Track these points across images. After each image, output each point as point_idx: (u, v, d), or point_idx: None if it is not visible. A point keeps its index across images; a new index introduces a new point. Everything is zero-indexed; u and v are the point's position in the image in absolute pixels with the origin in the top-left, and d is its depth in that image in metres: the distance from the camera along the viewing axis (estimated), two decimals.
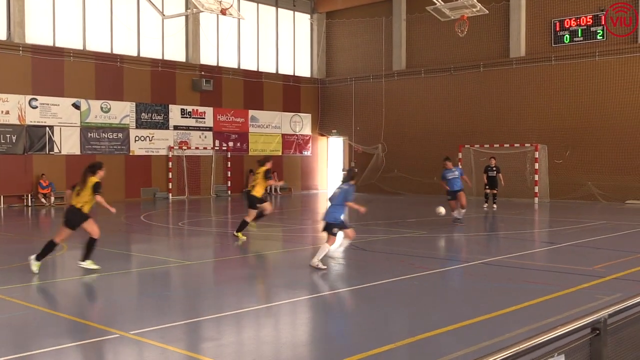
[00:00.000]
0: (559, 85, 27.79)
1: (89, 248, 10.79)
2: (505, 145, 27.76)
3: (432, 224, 18.68)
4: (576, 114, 27.27)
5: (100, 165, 11.18)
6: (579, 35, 27.32)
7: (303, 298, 9.06)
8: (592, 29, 27.00)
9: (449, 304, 8.59)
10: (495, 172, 23.86)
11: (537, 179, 26.90)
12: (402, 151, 32.65)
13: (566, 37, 27.71)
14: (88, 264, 10.76)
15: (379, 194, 32.19)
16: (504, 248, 14.17)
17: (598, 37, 26.85)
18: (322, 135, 36.43)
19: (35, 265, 10.57)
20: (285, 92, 34.75)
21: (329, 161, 36.80)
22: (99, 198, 10.65)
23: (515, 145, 27.62)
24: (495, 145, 28.07)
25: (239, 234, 14.96)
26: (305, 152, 35.86)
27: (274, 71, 34.55)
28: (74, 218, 10.66)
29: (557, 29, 27.93)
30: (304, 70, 36.21)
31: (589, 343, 3.96)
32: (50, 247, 10.66)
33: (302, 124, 35.60)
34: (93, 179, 10.81)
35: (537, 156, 26.89)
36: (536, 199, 26.65)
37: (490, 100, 29.79)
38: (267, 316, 8.01)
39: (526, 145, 27.44)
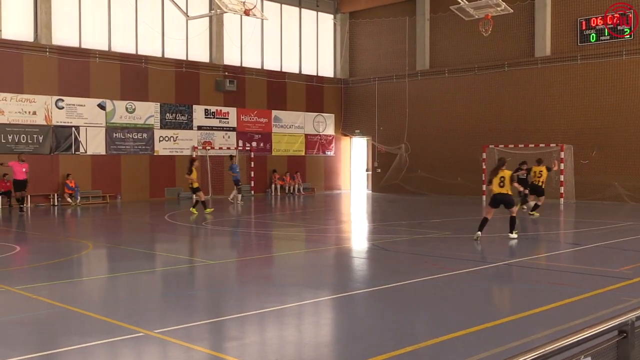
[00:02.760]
0: (585, 84, 27.46)
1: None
2: (530, 146, 27.50)
3: (455, 224, 18.57)
4: (602, 114, 26.94)
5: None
6: (605, 34, 26.99)
7: (326, 298, 9.05)
8: (619, 27, 26.66)
9: (472, 305, 8.52)
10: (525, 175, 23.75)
11: (562, 179, 26.61)
12: (426, 151, 32.51)
13: (592, 36, 27.38)
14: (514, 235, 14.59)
15: (402, 194, 32.07)
16: (529, 249, 14.03)
17: (625, 36, 26.49)
18: (345, 135, 36.40)
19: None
20: (309, 92, 34.79)
21: (352, 161, 36.75)
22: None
23: (541, 145, 27.34)
24: (520, 145, 27.82)
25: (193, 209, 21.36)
26: (329, 152, 35.87)
27: (297, 71, 34.61)
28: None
29: (583, 28, 27.61)
30: (327, 70, 36.22)
31: (616, 346, 3.90)
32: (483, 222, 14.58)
33: (326, 124, 35.61)
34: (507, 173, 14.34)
35: (562, 156, 26.60)
36: (562, 200, 26.37)
37: (515, 100, 29.53)
38: (290, 316, 8.01)
39: (552, 145, 27.15)
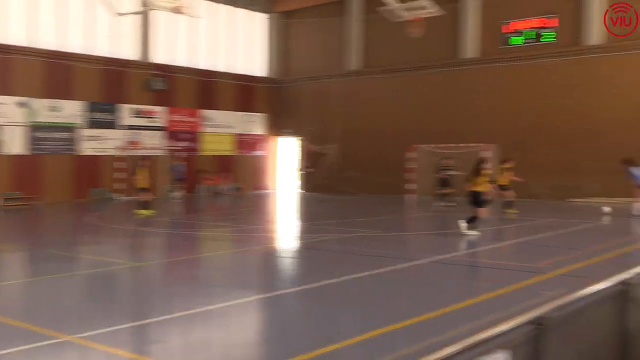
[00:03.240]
0: (509, 86, 28.29)
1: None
2: (458, 145, 28.08)
3: (385, 222, 18.80)
4: (524, 116, 27.79)
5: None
6: (530, 37, 27.85)
7: (254, 298, 9.00)
8: (542, 31, 27.58)
9: (396, 302, 8.64)
10: (448, 171, 24.54)
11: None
12: (357, 151, 32.79)
13: (515, 39, 28.22)
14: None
15: (333, 194, 32.25)
16: (453, 246, 14.34)
17: (546, 40, 27.43)
18: (276, 135, 36.32)
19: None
20: (240, 91, 34.52)
21: (283, 161, 36.69)
22: None
23: (468, 144, 27.93)
24: (449, 145, 28.40)
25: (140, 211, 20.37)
26: (259, 152, 35.70)
27: (228, 70, 34.27)
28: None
29: (507, 31, 28.45)
30: (259, 70, 36.03)
31: (534, 338, 4.01)
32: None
33: (256, 123, 35.43)
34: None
35: (487, 155, 27.23)
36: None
37: (442, 101, 30.12)
38: (217, 317, 7.92)
39: (477, 144, 27.79)
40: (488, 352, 3.61)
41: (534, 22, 27.76)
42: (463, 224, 15.28)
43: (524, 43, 28.08)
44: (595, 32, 26.28)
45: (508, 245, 14.15)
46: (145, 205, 20.84)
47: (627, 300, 4.70)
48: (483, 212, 15.38)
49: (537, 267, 10.90)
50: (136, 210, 20.95)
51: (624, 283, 4.75)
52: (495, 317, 7.18)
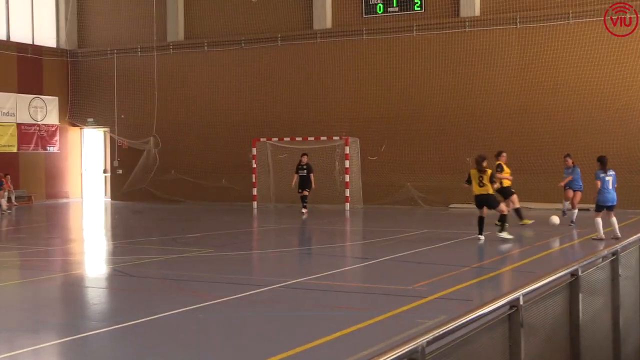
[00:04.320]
0: (372, 65, 29.26)
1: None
2: (309, 139, 28.68)
3: (220, 238, 18.84)
4: (392, 101, 28.85)
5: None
6: (394, 5, 29.00)
7: (50, 344, 8.75)
8: None
9: (242, 340, 8.72)
10: (305, 171, 25.07)
11: (348, 179, 28.08)
12: (182, 146, 32.54)
13: (379, 7, 29.26)
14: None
15: (152, 202, 31.80)
16: (309, 267, 14.68)
17: (415, 9, 28.68)
18: (75, 125, 35.24)
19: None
20: (22, 66, 33.15)
21: (85, 160, 35.70)
22: None
23: (322, 138, 28.62)
24: (297, 139, 28.93)
25: None
26: (51, 148, 34.49)
27: (3, 37, 32.78)
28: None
29: None
30: (46, 38, 34.76)
31: None
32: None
33: (46, 110, 34.20)
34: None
35: (347, 152, 28.06)
36: (347, 205, 27.81)
37: (291, 83, 30.60)
38: None
39: (334, 138, 28.55)
40: None
41: None
42: (503, 234, 17.24)
43: (387, 12, 29.02)
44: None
45: (377, 264, 14.68)
46: None
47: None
48: (503, 207, 17.60)
49: (413, 290, 11.43)
50: None
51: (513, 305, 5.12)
52: (365, 354, 7.47)
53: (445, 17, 28.32)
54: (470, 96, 27.68)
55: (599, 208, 16.68)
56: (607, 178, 16.58)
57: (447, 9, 28.33)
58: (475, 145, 26.47)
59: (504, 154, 20.73)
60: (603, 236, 16.47)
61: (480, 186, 17.01)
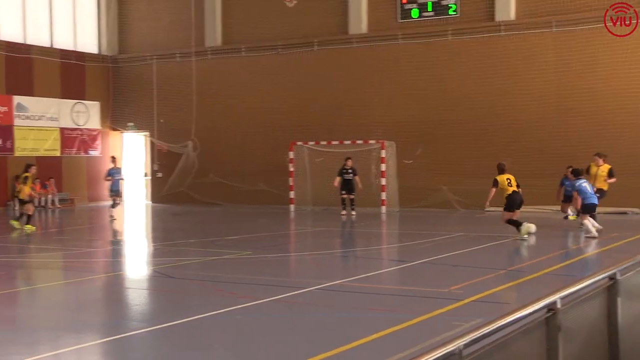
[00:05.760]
0: (407, 69, 29.16)
1: None
2: (345, 142, 28.66)
3: (258, 241, 18.89)
4: (428, 104, 28.73)
5: None
6: (429, 10, 28.91)
7: (92, 344, 8.83)
8: (443, 2, 28.67)
9: (279, 341, 8.74)
10: (351, 174, 25.38)
11: (384, 183, 28.01)
12: (219, 150, 32.68)
13: (414, 12, 29.18)
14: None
15: (190, 205, 31.97)
16: (346, 269, 14.66)
17: (450, 13, 28.56)
18: (115, 129, 35.58)
19: None
20: (65, 72, 33.53)
21: (125, 164, 35.99)
22: None
23: (358, 142, 28.61)
24: (334, 142, 28.94)
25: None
26: (93, 152, 34.84)
27: (47, 44, 33.19)
28: None
29: (404, 1, 29.35)
30: (88, 44, 35.15)
31: None
32: None
33: (89, 114, 34.56)
34: None
35: (383, 155, 28.00)
36: (384, 208, 27.73)
37: (327, 87, 30.59)
38: None
39: (371, 142, 28.51)
40: None
41: None
42: (521, 238, 17.75)
43: (422, 16, 28.96)
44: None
45: (413, 267, 14.62)
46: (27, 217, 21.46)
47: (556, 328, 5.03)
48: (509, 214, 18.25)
49: (449, 293, 11.37)
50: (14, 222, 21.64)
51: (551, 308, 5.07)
52: (401, 356, 7.44)
53: (480, 21, 28.19)
54: (505, 100, 27.48)
55: (587, 210, 18.27)
56: (584, 184, 18.31)
57: (482, 13, 28.20)
58: (511, 148, 26.32)
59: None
60: (596, 234, 17.88)
61: (510, 186, 18.27)
